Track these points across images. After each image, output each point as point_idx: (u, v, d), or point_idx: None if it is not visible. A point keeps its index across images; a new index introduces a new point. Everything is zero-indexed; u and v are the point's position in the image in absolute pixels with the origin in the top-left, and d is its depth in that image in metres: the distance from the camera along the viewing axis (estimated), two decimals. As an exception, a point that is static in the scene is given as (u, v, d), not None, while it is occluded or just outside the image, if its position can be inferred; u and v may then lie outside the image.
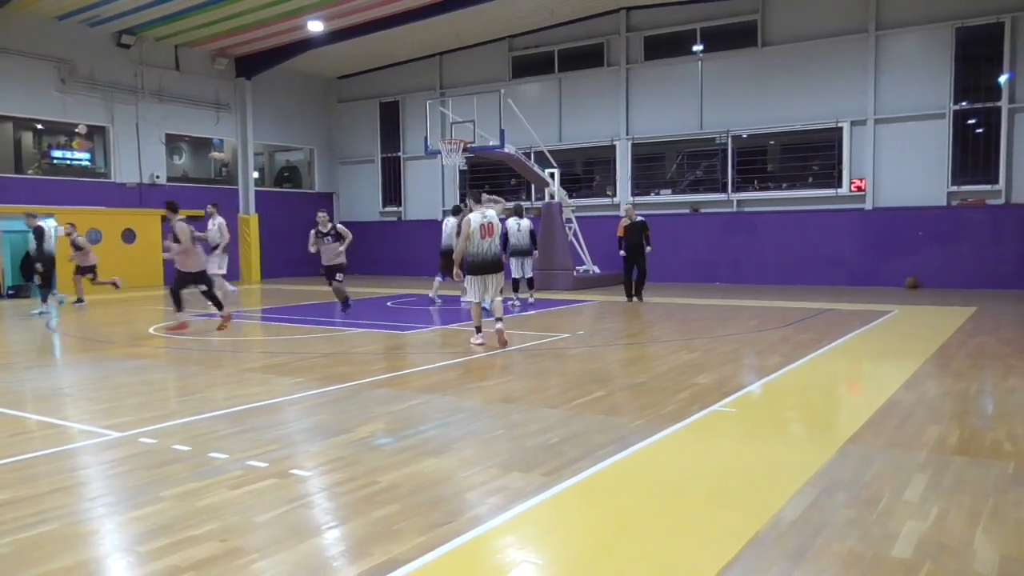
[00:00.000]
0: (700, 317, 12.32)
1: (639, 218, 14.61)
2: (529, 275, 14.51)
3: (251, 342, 10.50)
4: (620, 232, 14.61)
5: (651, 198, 20.76)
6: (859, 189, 18.29)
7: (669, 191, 20.74)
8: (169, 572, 3.16)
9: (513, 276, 14.30)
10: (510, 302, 14.10)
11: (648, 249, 14.44)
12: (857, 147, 18.28)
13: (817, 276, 18.55)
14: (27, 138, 19.99)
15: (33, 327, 12.66)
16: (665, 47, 20.59)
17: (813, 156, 19.19)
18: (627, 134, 21.03)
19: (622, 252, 14.49)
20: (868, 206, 18.24)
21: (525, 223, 14.36)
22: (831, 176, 18.75)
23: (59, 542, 3.49)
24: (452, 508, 3.85)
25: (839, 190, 18.51)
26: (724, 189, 19.83)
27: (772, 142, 19.65)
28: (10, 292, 18.18)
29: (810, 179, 19.20)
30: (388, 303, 15.36)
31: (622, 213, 21.11)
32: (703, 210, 20.05)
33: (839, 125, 18.38)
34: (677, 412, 5.79)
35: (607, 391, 6.73)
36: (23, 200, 18.52)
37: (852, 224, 18.40)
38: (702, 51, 20.04)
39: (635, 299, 14.45)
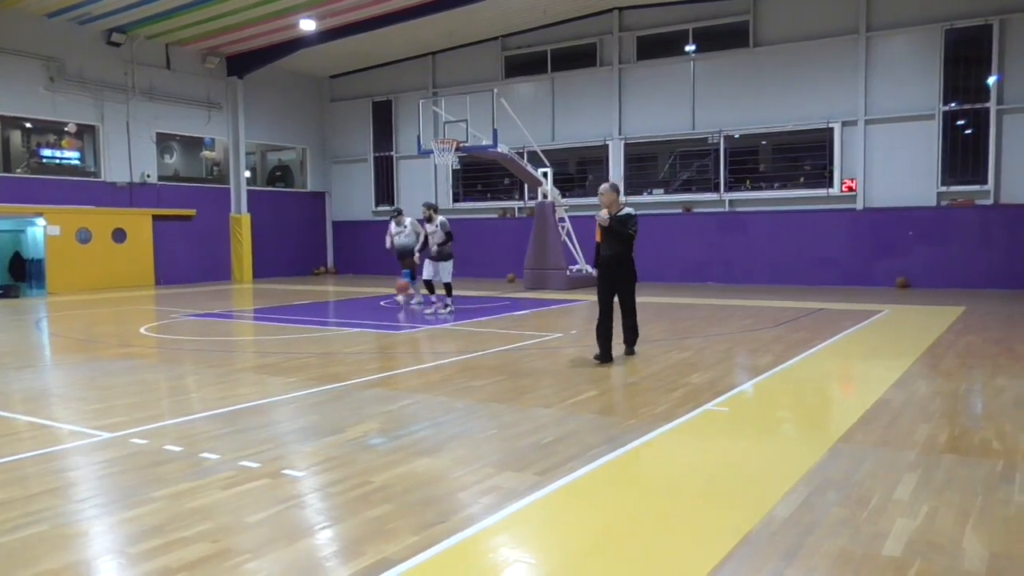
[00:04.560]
0: (692, 317, 12.35)
1: (626, 210, 8.08)
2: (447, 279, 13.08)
3: (243, 342, 10.47)
4: (597, 236, 8.23)
5: (644, 198, 20.79)
6: (850, 189, 18.37)
7: (662, 191, 20.78)
8: (160, 573, 3.15)
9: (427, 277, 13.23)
10: (423, 306, 13.26)
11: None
12: (848, 147, 18.36)
13: (808, 276, 18.63)
14: (15, 137, 19.88)
15: (22, 327, 12.59)
16: (657, 47, 20.63)
17: (804, 156, 19.26)
18: (620, 134, 21.06)
19: (591, 269, 9.14)
20: (859, 206, 18.32)
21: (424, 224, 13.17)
22: (822, 176, 18.82)
23: (49, 543, 3.48)
24: (445, 508, 3.85)
25: (830, 190, 18.58)
26: (716, 189, 19.88)
27: (764, 142, 19.71)
28: (-1, 292, 18.06)
29: (801, 179, 19.27)
30: (380, 303, 15.34)
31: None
32: (695, 210, 20.10)
33: (830, 126, 18.45)
34: (670, 411, 5.81)
35: (600, 391, 6.74)
36: (11, 199, 18.43)
37: (843, 224, 18.48)
38: (694, 51, 20.08)
39: (625, 352, 8.44)
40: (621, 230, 7.90)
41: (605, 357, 7.99)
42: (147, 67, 21.30)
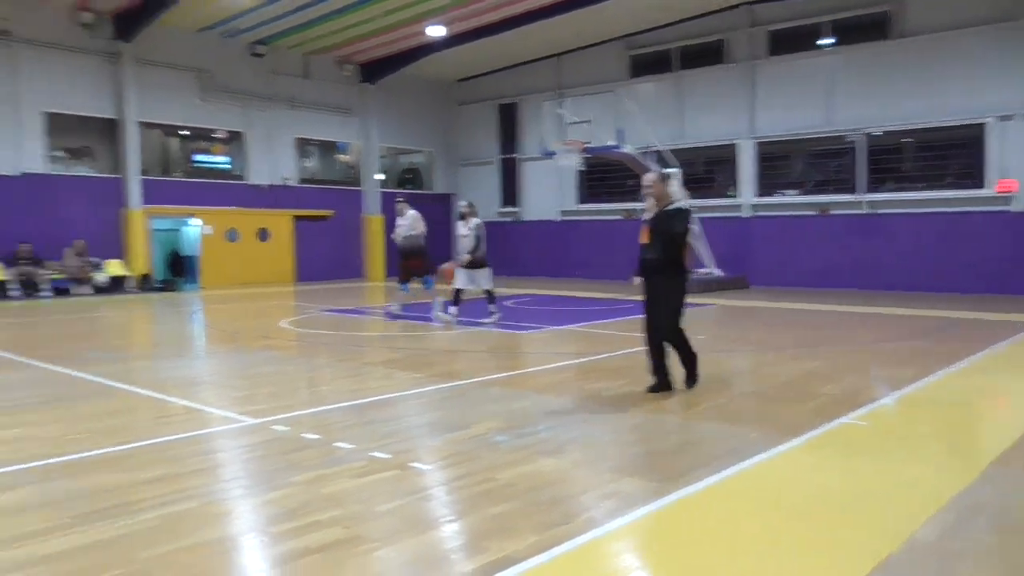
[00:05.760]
0: (826, 324, 11.79)
1: (676, 204, 6.54)
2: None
3: (373, 337, 10.87)
4: (642, 236, 6.60)
5: (776, 199, 20.06)
6: (1006, 190, 16.98)
7: (795, 192, 19.95)
8: (296, 554, 3.32)
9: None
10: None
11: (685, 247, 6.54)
12: (1004, 144, 16.96)
13: (958, 283, 17.33)
14: (173, 144, 21.51)
15: (179, 317, 13.60)
16: (791, 42, 19.84)
17: (954, 154, 17.97)
18: (751, 133, 20.40)
19: (636, 279, 6.72)
20: (1017, 208, 16.91)
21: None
22: (974, 176, 17.50)
23: (199, 519, 3.74)
24: (567, 509, 3.85)
25: (983, 191, 17.26)
26: (855, 190, 18.89)
27: (908, 139, 18.54)
28: (159, 285, 19.61)
29: (950, 179, 18.00)
30: (506, 302, 15.53)
31: (745, 213, 20.62)
32: (832, 212, 19.17)
33: (983, 121, 17.12)
34: (801, 423, 5.56)
35: (726, 398, 6.55)
36: (170, 201, 19.97)
37: (997, 227, 17.08)
38: (832, 45, 19.18)
39: (686, 384, 6.69)
40: (666, 228, 6.42)
41: (658, 385, 6.55)
42: (287, 76, 22.52)
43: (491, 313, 11.64)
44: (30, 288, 17.14)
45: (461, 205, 11.94)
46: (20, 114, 17.74)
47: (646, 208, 6.68)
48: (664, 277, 6.44)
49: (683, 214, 6.45)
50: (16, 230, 17.38)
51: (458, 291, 11.54)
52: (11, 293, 16.83)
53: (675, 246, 6.39)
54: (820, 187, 19.66)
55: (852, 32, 18.89)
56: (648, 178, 6.61)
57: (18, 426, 5.59)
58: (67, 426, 5.58)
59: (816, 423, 5.52)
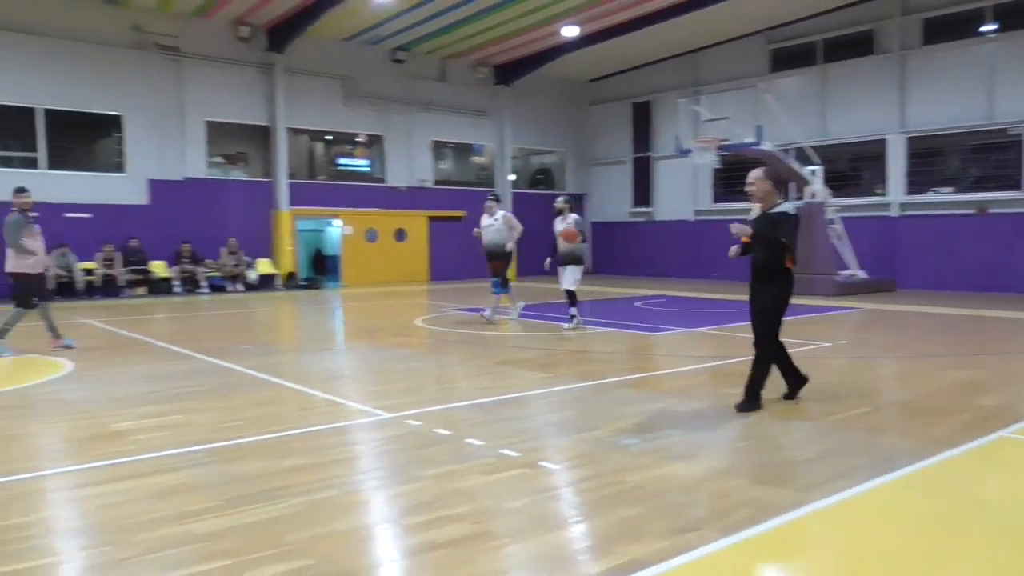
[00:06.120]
0: (983, 330, 10.92)
1: (782, 207, 6.10)
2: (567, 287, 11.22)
3: (503, 336, 11.03)
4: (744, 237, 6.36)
5: (928, 197, 18.77)
6: None
7: (950, 189, 18.59)
8: (426, 547, 3.43)
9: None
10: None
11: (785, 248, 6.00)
12: None
13: None
14: (318, 148, 22.69)
15: (321, 313, 14.31)
16: (947, 29, 18.48)
17: None
18: (901, 127, 19.18)
19: (734, 248, 6.65)
20: None
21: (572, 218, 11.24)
22: None
23: (338, 507, 3.93)
24: (697, 515, 3.78)
25: None
26: (1019, 186, 17.38)
27: (1085, 131, 16.87)
28: (304, 283, 20.75)
29: None
30: (636, 303, 15.37)
31: (893, 212, 19.39)
32: (991, 210, 17.73)
33: None
34: (953, 436, 5.19)
35: (870, 407, 6.20)
36: (315, 203, 21.09)
37: None
38: (994, 31, 17.72)
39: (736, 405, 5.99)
40: (768, 233, 5.93)
41: (792, 390, 6.31)
42: (425, 81, 23.24)
43: (571, 317, 11.14)
44: (190, 285, 18.57)
45: (558, 201, 11.46)
46: (185, 123, 19.26)
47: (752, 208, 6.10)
48: (764, 283, 6.09)
49: (789, 220, 5.90)
50: (179, 231, 18.88)
51: (570, 292, 11.25)
52: (174, 289, 18.30)
53: (777, 252, 5.93)
54: (978, 184, 18.23)
55: (1017, 16, 17.37)
56: (752, 175, 6.07)
57: (180, 412, 6.08)
58: (222, 414, 6.02)
59: (969, 437, 5.13)
